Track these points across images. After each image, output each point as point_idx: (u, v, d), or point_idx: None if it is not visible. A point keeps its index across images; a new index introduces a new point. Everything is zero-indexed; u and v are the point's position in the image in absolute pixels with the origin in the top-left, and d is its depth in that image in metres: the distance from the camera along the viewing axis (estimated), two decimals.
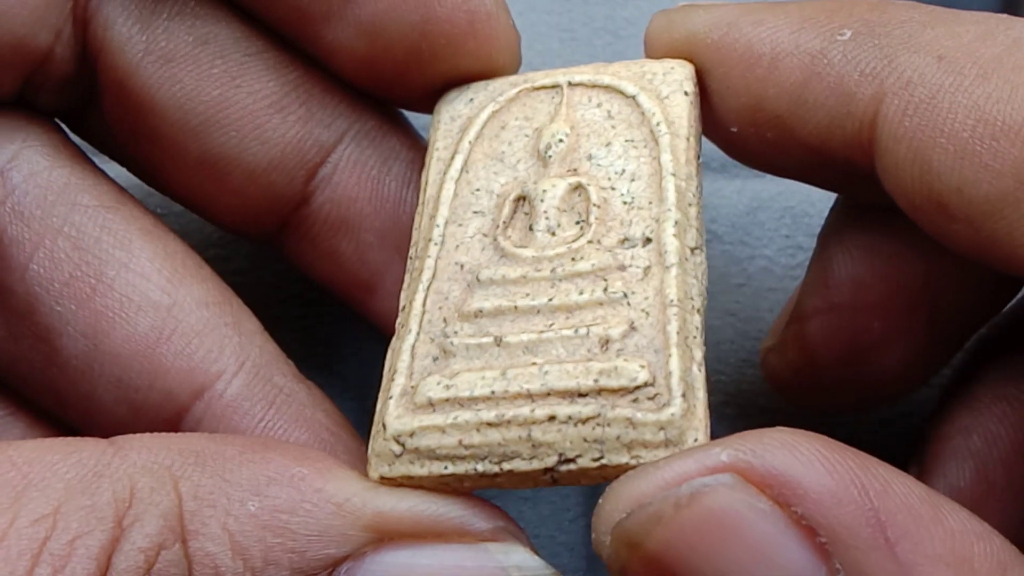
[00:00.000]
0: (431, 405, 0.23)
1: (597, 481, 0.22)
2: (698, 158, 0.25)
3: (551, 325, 0.23)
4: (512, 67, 0.27)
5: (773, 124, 0.24)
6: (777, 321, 0.29)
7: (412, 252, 0.25)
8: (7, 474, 0.20)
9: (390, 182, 0.28)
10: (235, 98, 0.27)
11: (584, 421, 0.22)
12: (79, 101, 0.28)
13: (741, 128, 0.25)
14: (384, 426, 0.23)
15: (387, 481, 0.22)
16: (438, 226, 0.25)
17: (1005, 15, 0.24)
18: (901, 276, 0.26)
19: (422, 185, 0.26)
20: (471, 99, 0.27)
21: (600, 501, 0.21)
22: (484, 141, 0.26)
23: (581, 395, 0.22)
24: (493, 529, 0.22)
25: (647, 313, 0.22)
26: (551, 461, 0.22)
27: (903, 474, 0.20)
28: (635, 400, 0.22)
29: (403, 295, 0.25)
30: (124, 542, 0.20)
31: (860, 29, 0.24)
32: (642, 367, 0.22)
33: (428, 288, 0.24)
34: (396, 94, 0.27)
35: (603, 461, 0.21)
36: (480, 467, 0.22)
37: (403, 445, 0.22)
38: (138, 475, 0.21)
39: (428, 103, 0.27)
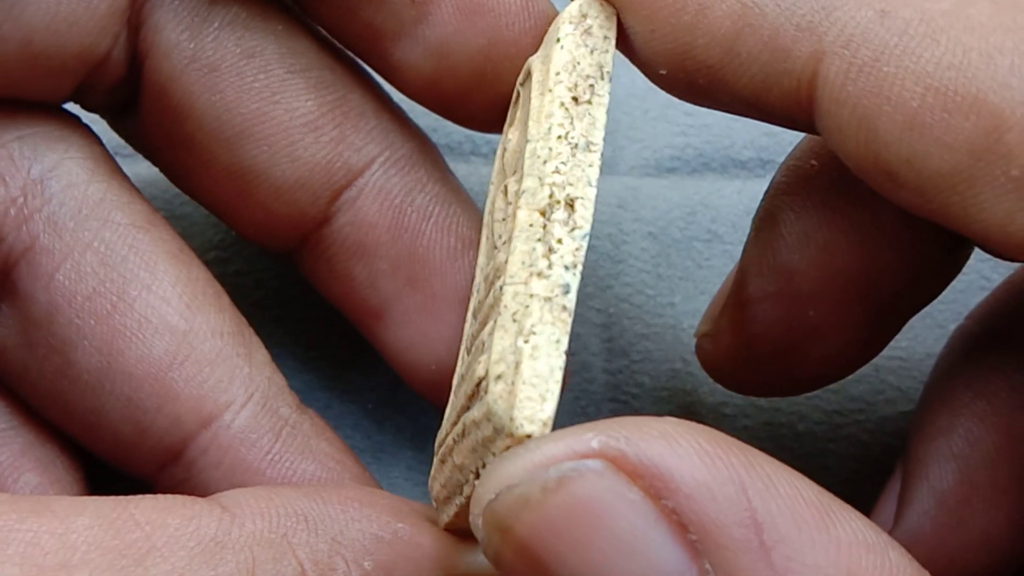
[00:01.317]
0: (438, 456, 0.24)
1: None
2: (577, 100, 0.23)
3: (476, 343, 0.23)
4: None
5: (704, 73, 0.23)
6: (711, 307, 0.28)
7: None
8: (131, 534, 0.21)
9: (411, 213, 0.28)
10: (272, 114, 0.27)
11: (462, 434, 0.21)
12: (124, 101, 0.28)
13: (670, 72, 0.23)
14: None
15: (448, 531, 0.23)
16: (475, 276, 0.25)
17: None
18: (836, 264, 0.25)
19: None
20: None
21: (476, 482, 0.21)
22: (499, 175, 0.26)
23: (465, 409, 0.22)
24: None
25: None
26: (473, 479, 0.22)
27: (796, 475, 0.19)
28: (480, 398, 0.21)
29: None
30: None
31: None
32: (480, 363, 0.21)
33: (467, 339, 0.25)
34: (457, 114, 0.27)
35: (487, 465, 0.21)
36: (458, 501, 0.22)
37: (433, 498, 0.24)
38: (258, 546, 0.21)
39: (489, 123, 0.27)
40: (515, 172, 0.24)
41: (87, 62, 0.26)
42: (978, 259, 0.26)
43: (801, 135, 0.27)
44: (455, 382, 0.25)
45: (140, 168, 0.31)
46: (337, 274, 0.28)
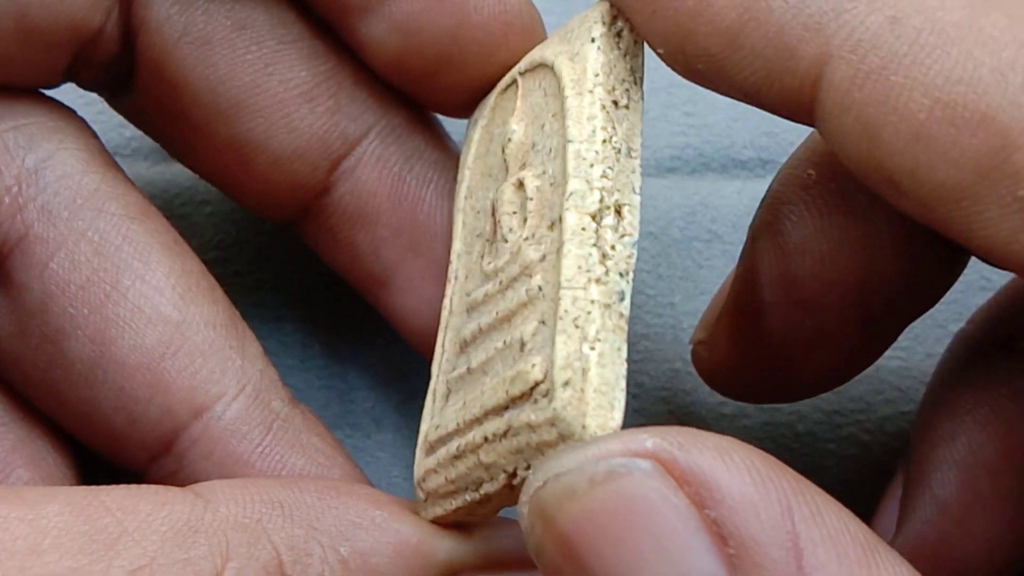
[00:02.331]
0: (431, 447, 0.23)
1: None
2: (617, 104, 0.23)
3: (501, 339, 0.22)
4: None
5: (704, 59, 0.22)
6: (707, 313, 0.28)
7: None
8: (102, 519, 0.21)
9: (411, 180, 0.28)
10: (266, 85, 0.27)
11: (504, 435, 0.21)
12: (121, 78, 0.28)
13: (668, 53, 0.23)
14: (413, 474, 0.24)
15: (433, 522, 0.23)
16: (452, 262, 0.25)
17: None
18: (834, 273, 0.25)
19: None
20: (476, 119, 0.26)
21: (521, 476, 0.21)
22: (480, 160, 0.26)
23: (503, 408, 0.21)
24: None
25: (553, 302, 0.21)
26: (503, 479, 0.21)
27: (846, 512, 0.19)
28: (535, 401, 0.21)
29: None
30: None
31: None
32: (534, 365, 0.21)
33: (447, 327, 0.24)
34: (424, 95, 0.27)
35: (531, 468, 0.21)
36: (468, 496, 0.22)
37: (423, 490, 0.23)
38: (231, 530, 0.21)
39: (456, 108, 0.27)
40: (523, 166, 0.24)
41: (80, 36, 0.26)
42: (979, 259, 0.26)
43: (801, 137, 0.27)
44: (449, 374, 0.24)
45: (140, 168, 0.31)
46: (340, 243, 0.28)
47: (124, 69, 0.28)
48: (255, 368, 0.27)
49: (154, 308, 0.26)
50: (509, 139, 0.24)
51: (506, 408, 0.21)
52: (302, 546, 0.22)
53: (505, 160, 0.24)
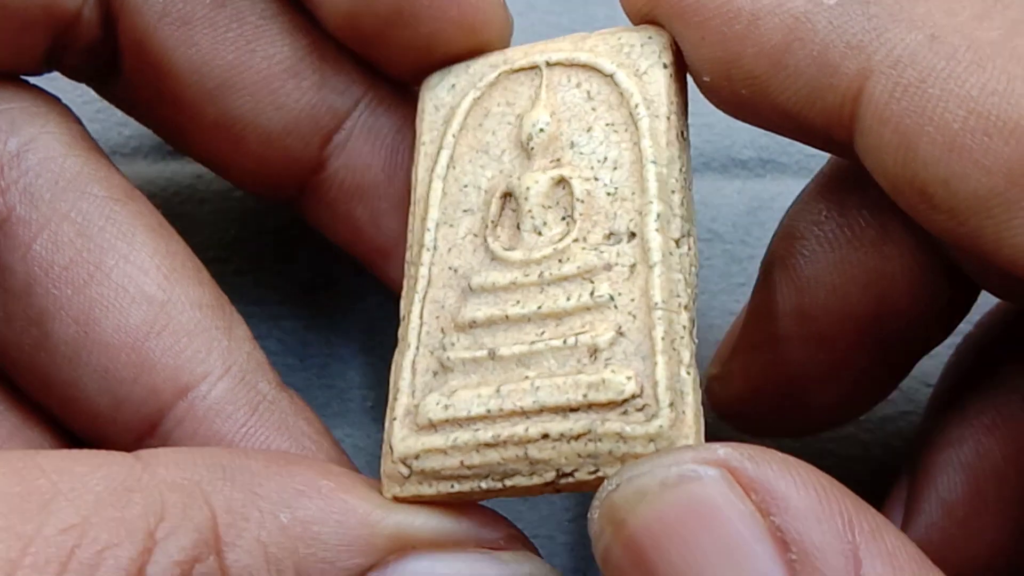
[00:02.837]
0: (432, 426, 0.23)
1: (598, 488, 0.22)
2: (683, 135, 0.24)
3: (542, 334, 0.23)
4: (500, 48, 0.26)
5: (748, 83, 0.23)
6: (721, 348, 0.28)
7: (408, 256, 0.25)
8: (36, 480, 0.20)
9: (404, 150, 0.28)
10: (250, 62, 0.27)
11: (576, 437, 0.21)
12: (105, 64, 0.28)
13: (714, 80, 0.24)
14: (391, 448, 0.23)
15: (400, 500, 0.23)
16: (429, 230, 0.25)
17: None
18: (847, 308, 0.25)
19: (412, 183, 0.25)
20: (453, 84, 0.26)
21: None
22: (468, 132, 0.25)
23: (572, 410, 0.22)
24: (506, 537, 0.23)
25: (634, 316, 0.22)
26: (550, 476, 0.22)
27: (901, 533, 0.20)
28: (624, 413, 0.21)
29: (403, 303, 0.25)
30: (157, 554, 0.20)
31: None
32: (628, 378, 0.21)
33: (424, 298, 0.24)
34: (377, 56, 0.27)
35: (599, 474, 0.21)
36: (484, 484, 0.22)
37: (410, 467, 0.23)
38: (168, 491, 0.21)
39: (410, 70, 0.27)
40: (557, 162, 0.24)
41: (56, 17, 0.26)
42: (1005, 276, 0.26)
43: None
44: (442, 352, 0.24)
45: (140, 167, 0.31)
46: (340, 218, 0.28)
47: (108, 55, 0.28)
48: (242, 350, 0.27)
49: (138, 288, 0.26)
50: (541, 129, 0.24)
51: (575, 410, 0.22)
52: (239, 510, 0.21)
53: (530, 148, 0.24)
